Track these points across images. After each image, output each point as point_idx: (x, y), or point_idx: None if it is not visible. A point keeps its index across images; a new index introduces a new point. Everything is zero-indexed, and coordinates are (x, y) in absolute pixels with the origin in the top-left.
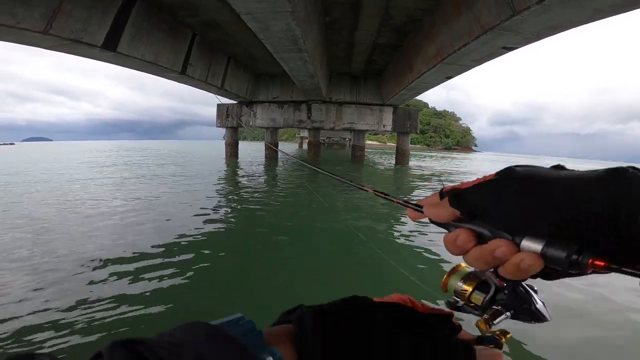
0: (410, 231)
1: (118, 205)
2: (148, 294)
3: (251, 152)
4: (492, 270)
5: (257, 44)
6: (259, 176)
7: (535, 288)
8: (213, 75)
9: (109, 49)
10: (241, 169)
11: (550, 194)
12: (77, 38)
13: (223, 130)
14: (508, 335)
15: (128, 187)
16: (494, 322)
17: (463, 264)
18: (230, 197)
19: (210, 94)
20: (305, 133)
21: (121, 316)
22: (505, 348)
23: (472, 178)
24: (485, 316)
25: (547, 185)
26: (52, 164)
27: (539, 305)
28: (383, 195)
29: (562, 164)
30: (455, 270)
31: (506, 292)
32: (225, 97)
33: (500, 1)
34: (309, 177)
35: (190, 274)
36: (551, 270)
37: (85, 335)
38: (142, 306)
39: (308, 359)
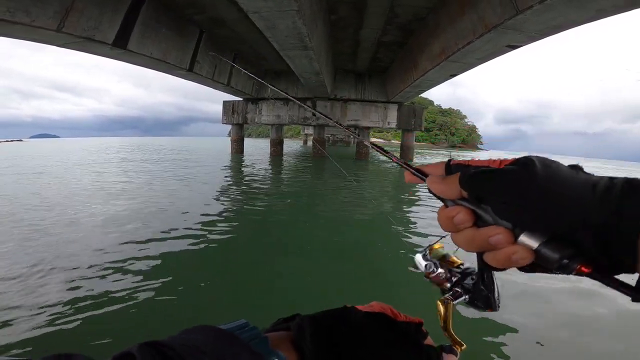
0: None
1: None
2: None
3: (256, 149)
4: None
5: (263, 42)
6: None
7: (495, 276)
8: (219, 72)
9: (120, 46)
10: (246, 166)
11: (562, 198)
12: (89, 36)
13: (228, 127)
14: (463, 347)
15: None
16: (454, 302)
17: (438, 245)
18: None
19: (215, 90)
20: (309, 130)
21: (109, 315)
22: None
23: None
24: (447, 296)
25: (561, 189)
26: (88, 160)
27: (497, 295)
28: (383, 152)
29: (580, 164)
30: (431, 250)
31: (473, 277)
32: (232, 94)
33: (504, 0)
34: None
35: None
36: (534, 266)
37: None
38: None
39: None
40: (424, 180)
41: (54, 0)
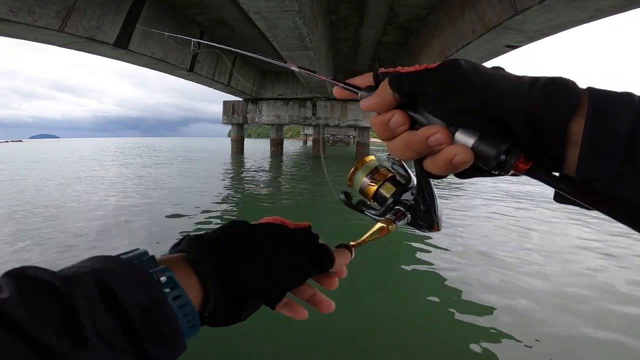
0: None
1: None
2: None
3: (256, 149)
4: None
5: (264, 42)
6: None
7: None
8: (220, 72)
9: (121, 46)
10: (246, 165)
11: (490, 90)
12: (91, 36)
13: (227, 127)
14: (357, 246)
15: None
16: (398, 223)
17: (370, 158)
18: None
19: (214, 90)
20: (309, 130)
21: None
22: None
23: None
24: (390, 216)
25: (490, 81)
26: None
27: (439, 212)
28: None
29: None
30: (362, 163)
31: (413, 192)
32: (232, 94)
33: (503, 1)
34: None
35: None
36: (472, 170)
37: None
38: None
39: (204, 270)
40: (357, 94)
41: (56, 0)
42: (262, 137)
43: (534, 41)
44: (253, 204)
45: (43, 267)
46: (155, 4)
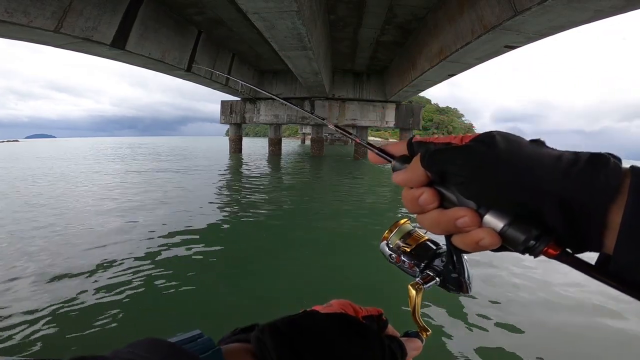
0: None
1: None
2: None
3: (254, 148)
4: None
5: (262, 41)
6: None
7: (466, 258)
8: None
9: (118, 47)
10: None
11: (524, 173)
12: (87, 36)
13: (225, 127)
14: (428, 333)
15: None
16: (425, 286)
17: (402, 221)
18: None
19: (211, 90)
20: (307, 129)
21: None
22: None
23: None
24: (419, 280)
25: (524, 162)
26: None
27: (468, 277)
28: (347, 134)
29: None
30: (397, 225)
31: (444, 259)
32: (230, 94)
33: (503, 1)
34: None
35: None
36: (502, 248)
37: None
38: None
39: None
40: (390, 161)
41: (52, 0)
42: (259, 136)
43: (532, 42)
44: (257, 207)
45: (100, 356)
46: (153, 4)
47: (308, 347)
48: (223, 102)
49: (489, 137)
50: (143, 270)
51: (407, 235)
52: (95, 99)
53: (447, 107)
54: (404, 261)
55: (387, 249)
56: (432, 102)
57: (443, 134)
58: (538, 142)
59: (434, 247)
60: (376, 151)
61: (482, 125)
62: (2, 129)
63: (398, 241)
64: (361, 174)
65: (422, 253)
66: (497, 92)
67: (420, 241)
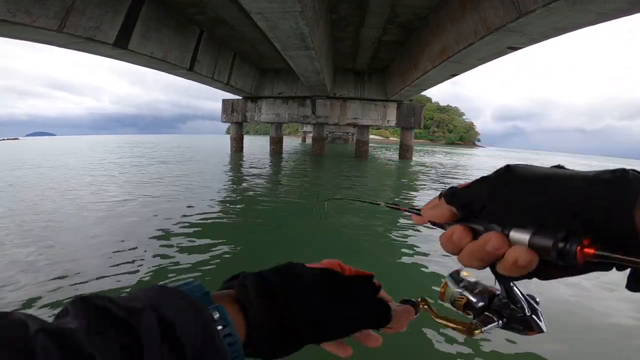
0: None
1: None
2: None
3: (255, 147)
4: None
5: (264, 40)
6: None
7: (537, 299)
8: (219, 71)
9: (121, 46)
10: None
11: (544, 189)
12: (90, 36)
13: (226, 125)
14: (429, 302)
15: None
16: (484, 328)
17: (466, 272)
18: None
19: (212, 88)
20: (308, 128)
21: None
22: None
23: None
24: (474, 321)
25: (542, 181)
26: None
27: (528, 311)
28: (393, 206)
29: (562, 163)
30: (458, 273)
31: (501, 296)
32: (231, 92)
33: (507, 3)
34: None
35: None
36: (547, 268)
37: None
38: None
39: (252, 317)
40: (421, 215)
41: (55, 0)
42: (260, 134)
43: (536, 43)
44: (257, 206)
45: (108, 296)
46: (154, 4)
47: (289, 296)
48: (224, 101)
49: (506, 166)
50: (151, 265)
51: (473, 286)
52: (95, 97)
53: (448, 105)
54: (465, 310)
55: (454, 285)
56: (433, 101)
57: (444, 132)
58: (558, 167)
59: (489, 289)
60: (413, 212)
61: (483, 123)
62: (2, 127)
63: (456, 290)
64: (365, 174)
65: (479, 297)
66: (498, 91)
67: (477, 289)
